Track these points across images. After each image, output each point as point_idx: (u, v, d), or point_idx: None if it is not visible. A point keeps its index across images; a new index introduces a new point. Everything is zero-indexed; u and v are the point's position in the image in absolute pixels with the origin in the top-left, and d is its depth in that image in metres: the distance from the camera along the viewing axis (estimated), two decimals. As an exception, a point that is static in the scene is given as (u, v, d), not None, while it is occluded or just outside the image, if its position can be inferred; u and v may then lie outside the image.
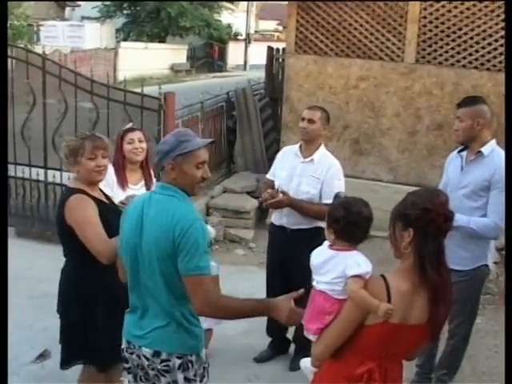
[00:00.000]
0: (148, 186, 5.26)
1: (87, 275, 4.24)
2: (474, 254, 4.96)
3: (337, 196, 3.58)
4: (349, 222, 3.22)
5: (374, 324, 3.04)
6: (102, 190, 4.55)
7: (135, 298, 3.54)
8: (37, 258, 8.05)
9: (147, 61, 32.42)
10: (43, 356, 5.86)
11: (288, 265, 5.58)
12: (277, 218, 5.70)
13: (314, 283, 3.31)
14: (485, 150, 4.85)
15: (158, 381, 3.51)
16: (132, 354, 3.55)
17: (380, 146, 9.43)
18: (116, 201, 4.71)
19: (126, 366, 3.64)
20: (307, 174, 5.49)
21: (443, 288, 3.09)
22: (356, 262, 3.13)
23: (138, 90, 8.61)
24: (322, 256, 3.30)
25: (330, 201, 5.23)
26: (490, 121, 4.89)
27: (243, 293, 7.22)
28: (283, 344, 6.08)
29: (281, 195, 5.41)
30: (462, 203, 4.58)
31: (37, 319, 6.37)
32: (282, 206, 5.44)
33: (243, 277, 7.76)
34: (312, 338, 3.26)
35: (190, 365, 3.47)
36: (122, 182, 5.24)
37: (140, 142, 5.26)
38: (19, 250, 8.47)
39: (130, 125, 5.61)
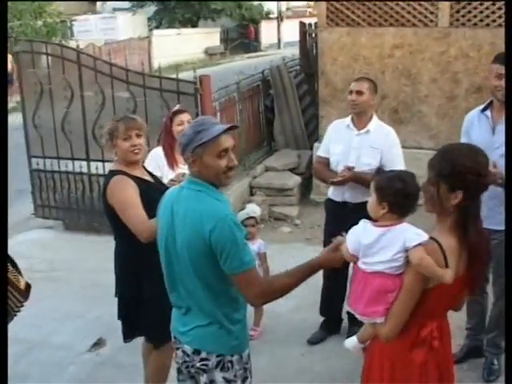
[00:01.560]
0: None
1: (132, 253, 4.31)
2: None
3: (379, 169, 3.51)
4: (407, 194, 3.18)
5: (434, 286, 3.08)
6: (146, 170, 4.62)
7: (175, 298, 3.49)
8: (86, 249, 8.17)
9: (181, 47, 32.53)
10: (98, 344, 5.97)
11: None
12: (336, 193, 5.63)
13: (361, 266, 3.26)
14: None
15: (197, 379, 3.48)
16: (178, 348, 3.53)
17: (419, 113, 9.31)
18: (165, 181, 4.78)
19: (176, 360, 3.62)
20: (365, 145, 5.44)
21: (482, 246, 3.15)
22: (415, 233, 3.11)
23: (174, 77, 8.64)
24: (370, 235, 3.23)
25: (394, 168, 5.22)
26: None
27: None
28: (336, 323, 6.05)
29: (345, 172, 5.37)
30: (499, 164, 4.41)
31: (89, 309, 6.48)
32: (346, 181, 5.40)
33: (290, 253, 7.76)
34: (380, 319, 3.20)
35: (229, 365, 3.38)
36: (172, 163, 5.30)
37: (189, 123, 5.25)
38: (68, 243, 8.67)
39: (177, 106, 5.68)
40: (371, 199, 3.33)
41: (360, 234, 3.30)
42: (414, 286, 3.09)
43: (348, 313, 5.84)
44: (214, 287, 3.28)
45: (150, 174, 4.62)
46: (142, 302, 4.38)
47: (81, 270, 7.42)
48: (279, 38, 42.83)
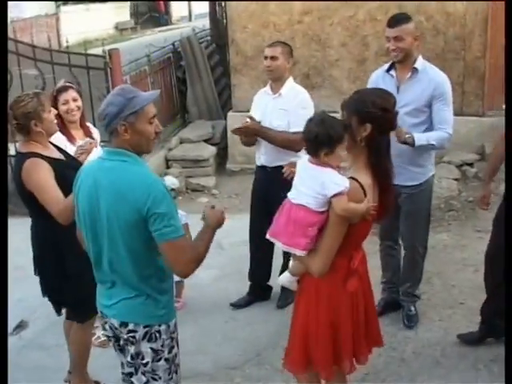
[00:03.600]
0: None
1: (52, 231, 4.24)
2: (426, 167, 5.10)
3: (316, 113, 3.64)
4: (308, 139, 3.38)
5: (358, 221, 3.33)
6: (54, 145, 4.49)
7: (101, 273, 3.41)
8: (8, 231, 7.97)
9: (90, 23, 31.75)
10: (20, 327, 5.85)
11: (270, 202, 5.57)
12: (257, 158, 5.74)
13: (289, 197, 3.47)
14: (418, 65, 4.93)
15: (127, 351, 3.43)
16: (106, 323, 3.49)
17: (330, 77, 9.38)
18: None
19: (106, 333, 3.59)
20: (276, 108, 5.51)
21: (391, 176, 3.48)
22: (332, 182, 3.26)
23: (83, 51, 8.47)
24: (303, 170, 3.46)
25: (296, 129, 5.27)
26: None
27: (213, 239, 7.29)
28: (265, 289, 6.05)
29: (248, 120, 5.47)
30: (403, 121, 4.51)
31: (11, 291, 6.31)
32: (250, 131, 5.49)
33: (210, 224, 7.76)
34: (300, 253, 3.39)
35: (157, 335, 3.36)
36: (70, 139, 5.08)
37: (74, 101, 5.08)
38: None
39: (61, 82, 5.31)
40: None
41: (298, 168, 3.52)
42: (340, 224, 3.30)
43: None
44: (142, 258, 3.24)
45: (59, 149, 4.50)
46: (65, 278, 4.32)
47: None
48: (190, 10, 42.39)
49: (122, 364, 3.55)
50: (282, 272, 5.62)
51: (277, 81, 5.55)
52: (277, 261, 5.77)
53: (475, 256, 6.16)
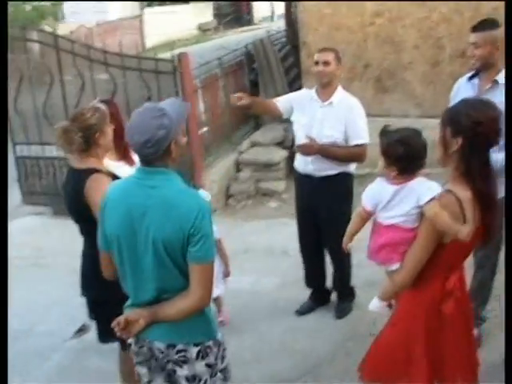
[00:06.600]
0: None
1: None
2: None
3: (385, 131, 3.48)
4: (411, 158, 3.28)
5: (451, 240, 3.17)
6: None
7: (140, 293, 3.27)
8: (73, 234, 8.09)
9: (174, 24, 32.22)
10: (82, 330, 5.94)
11: (318, 212, 5.53)
12: (302, 165, 5.56)
13: (378, 219, 3.42)
14: (499, 78, 4.65)
15: (176, 371, 3.34)
16: (142, 347, 3.37)
17: (403, 81, 9.18)
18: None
19: (137, 360, 3.45)
20: (329, 117, 5.35)
21: (492, 198, 3.21)
22: (427, 188, 3.22)
23: (168, 55, 8.52)
24: (386, 193, 3.35)
25: (359, 141, 5.25)
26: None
27: (278, 245, 7.26)
28: (324, 294, 6.01)
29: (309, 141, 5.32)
30: None
31: (75, 294, 6.40)
32: (312, 152, 5.31)
33: (277, 230, 7.73)
34: (394, 267, 3.37)
35: (208, 350, 3.31)
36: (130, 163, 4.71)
37: None
38: (56, 229, 8.62)
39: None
40: (381, 162, 3.41)
41: (377, 192, 3.42)
42: (427, 239, 3.20)
43: (335, 286, 5.83)
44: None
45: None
46: (110, 305, 4.22)
47: (68, 255, 7.29)
48: (272, 11, 42.45)
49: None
50: (334, 278, 5.79)
51: (326, 87, 5.39)
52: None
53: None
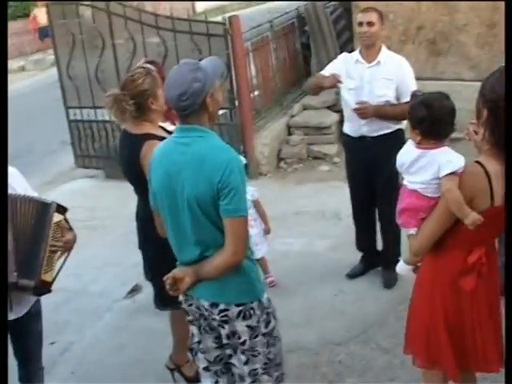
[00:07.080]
0: None
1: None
2: None
3: (414, 95, 3.42)
4: (433, 120, 3.15)
5: (478, 211, 3.03)
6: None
7: (186, 253, 3.32)
8: (126, 196, 8.15)
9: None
10: (134, 291, 6.06)
11: (373, 173, 5.50)
12: (354, 129, 5.52)
13: (404, 182, 3.35)
14: None
15: (220, 331, 3.39)
16: (191, 305, 3.43)
17: (458, 43, 8.95)
18: None
19: (189, 318, 3.53)
20: (378, 77, 5.30)
21: None
22: (448, 160, 3.09)
23: (219, 18, 8.48)
24: (410, 155, 3.27)
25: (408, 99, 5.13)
26: None
27: (330, 209, 7.25)
28: (374, 257, 5.99)
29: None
30: None
31: (127, 255, 6.49)
32: (369, 114, 5.27)
33: (328, 193, 7.69)
34: (412, 231, 3.30)
35: (251, 312, 3.31)
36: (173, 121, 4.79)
37: None
38: (109, 191, 8.76)
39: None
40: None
41: (403, 153, 3.35)
42: (442, 213, 3.12)
43: (383, 251, 5.80)
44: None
45: (163, 128, 4.38)
46: (166, 263, 4.25)
47: (120, 217, 7.45)
48: (324, -27, 41.94)
49: (208, 348, 3.53)
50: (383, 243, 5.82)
51: (371, 48, 5.33)
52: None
53: None
